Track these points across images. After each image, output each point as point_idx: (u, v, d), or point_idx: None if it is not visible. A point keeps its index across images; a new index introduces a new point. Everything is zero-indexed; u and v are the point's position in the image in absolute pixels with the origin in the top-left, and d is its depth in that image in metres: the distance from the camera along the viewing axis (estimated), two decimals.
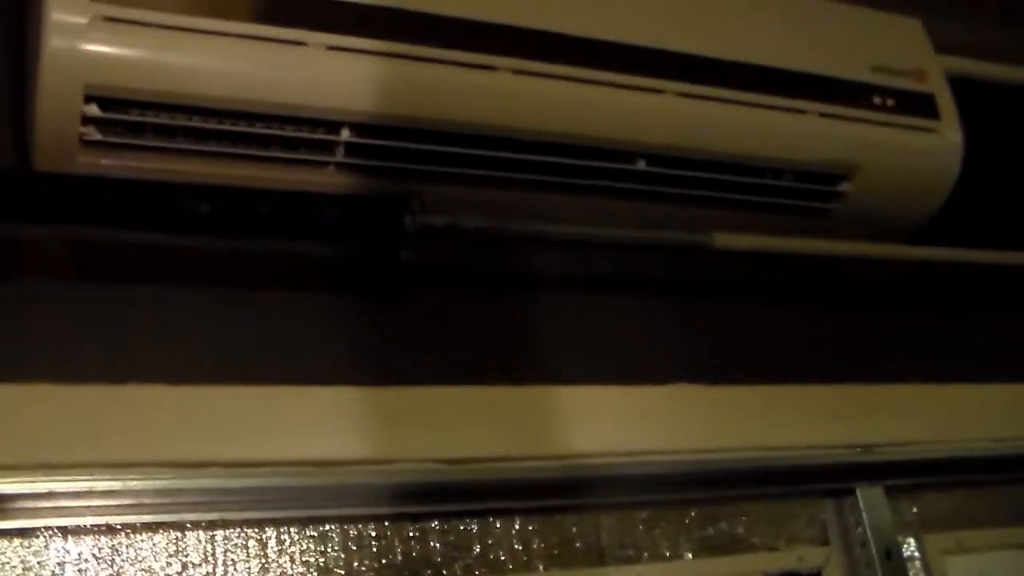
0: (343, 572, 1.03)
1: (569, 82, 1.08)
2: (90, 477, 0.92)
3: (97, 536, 0.94)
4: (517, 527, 1.11)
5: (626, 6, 1.16)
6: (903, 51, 1.31)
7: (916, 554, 1.31)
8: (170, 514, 0.96)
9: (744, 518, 1.24)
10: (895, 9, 1.33)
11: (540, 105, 1.07)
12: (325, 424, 1.03)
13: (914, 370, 1.37)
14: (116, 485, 0.93)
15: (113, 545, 0.95)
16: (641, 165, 1.14)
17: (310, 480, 1.01)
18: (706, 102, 1.15)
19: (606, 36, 1.12)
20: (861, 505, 1.28)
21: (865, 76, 1.26)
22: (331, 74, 1.00)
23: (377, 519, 1.06)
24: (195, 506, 0.97)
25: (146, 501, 0.95)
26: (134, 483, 0.93)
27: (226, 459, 0.97)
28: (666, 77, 1.13)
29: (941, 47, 1.33)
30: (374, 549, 1.05)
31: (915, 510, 1.34)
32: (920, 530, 1.33)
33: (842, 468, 1.27)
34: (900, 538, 1.29)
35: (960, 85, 1.32)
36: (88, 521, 0.93)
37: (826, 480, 1.28)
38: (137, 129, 0.96)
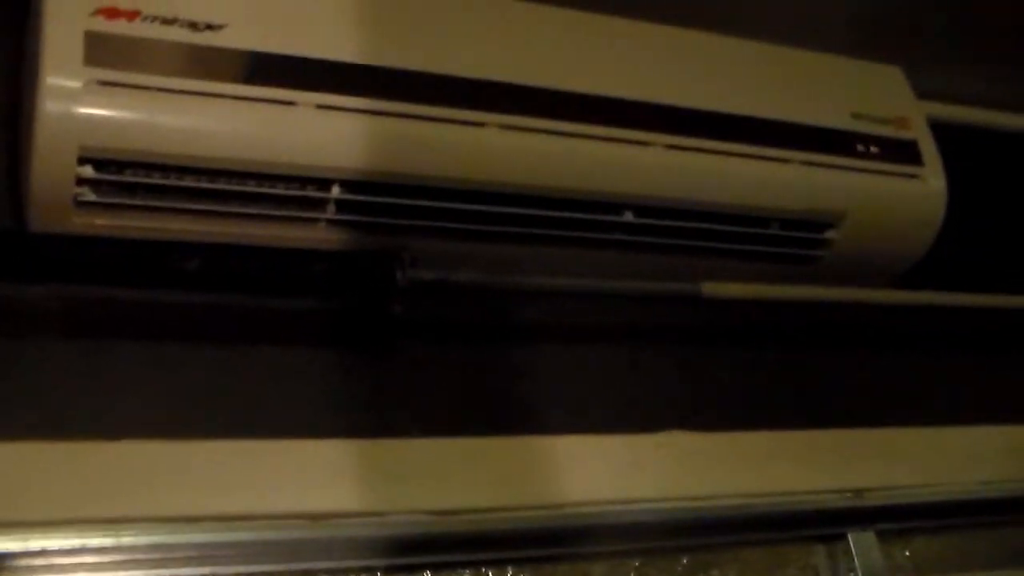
0: None
1: (556, 136, 1.10)
2: (83, 534, 0.92)
3: None
4: None
5: (612, 60, 1.18)
6: (885, 99, 1.32)
7: None
8: (163, 569, 0.96)
9: (737, 565, 1.24)
10: (876, 57, 1.35)
11: (528, 160, 1.09)
12: (317, 477, 1.03)
13: (903, 414, 1.38)
14: (109, 541, 0.93)
15: None
16: (629, 217, 1.15)
17: (302, 533, 1.01)
18: (692, 153, 1.17)
19: (592, 90, 1.14)
20: (853, 550, 1.27)
21: (848, 124, 1.27)
22: (321, 132, 1.01)
23: (370, 571, 1.06)
24: (188, 561, 0.97)
25: (139, 557, 0.95)
26: (127, 539, 0.93)
27: (219, 513, 0.98)
28: (653, 130, 1.15)
29: (922, 94, 1.35)
30: None
31: (907, 554, 1.34)
32: (912, 574, 1.33)
33: (833, 513, 1.28)
34: None
35: (942, 131, 1.33)
36: None
37: (818, 526, 1.28)
38: (131, 189, 0.97)
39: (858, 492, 1.29)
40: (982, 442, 1.41)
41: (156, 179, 0.97)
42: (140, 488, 0.96)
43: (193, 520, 0.97)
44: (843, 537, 1.29)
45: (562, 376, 1.23)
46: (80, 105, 0.92)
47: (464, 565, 1.10)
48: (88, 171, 0.94)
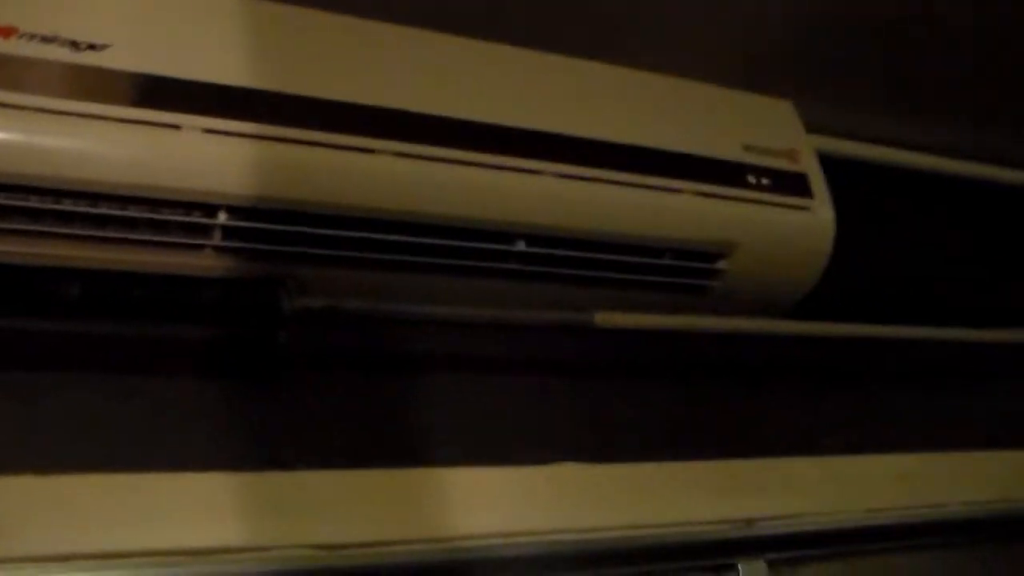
0: None
1: (447, 164, 1.09)
2: None
3: None
4: None
5: (505, 89, 1.17)
6: (776, 131, 1.34)
7: None
8: None
9: None
10: (767, 91, 1.37)
11: (419, 187, 1.08)
12: (199, 511, 1.00)
13: (793, 443, 1.39)
14: None
15: None
16: (521, 246, 1.15)
17: (183, 570, 0.98)
18: (584, 183, 1.16)
19: (484, 118, 1.13)
20: None
21: (740, 156, 1.29)
22: (207, 157, 0.99)
23: None
24: None
25: None
26: None
27: (92, 550, 0.94)
28: (544, 159, 1.14)
29: (812, 127, 1.37)
30: None
31: None
32: None
33: (724, 544, 1.28)
34: None
35: (831, 164, 1.35)
36: None
37: (708, 556, 1.28)
38: (5, 213, 0.94)
39: (748, 521, 1.30)
40: (871, 471, 1.43)
41: (33, 203, 0.94)
42: (8, 526, 0.92)
43: (65, 559, 0.93)
44: (733, 567, 1.29)
45: (453, 407, 1.21)
46: None
47: None
48: None
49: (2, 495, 0.93)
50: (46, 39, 0.95)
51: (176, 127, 0.98)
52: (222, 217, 1.01)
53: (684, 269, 1.26)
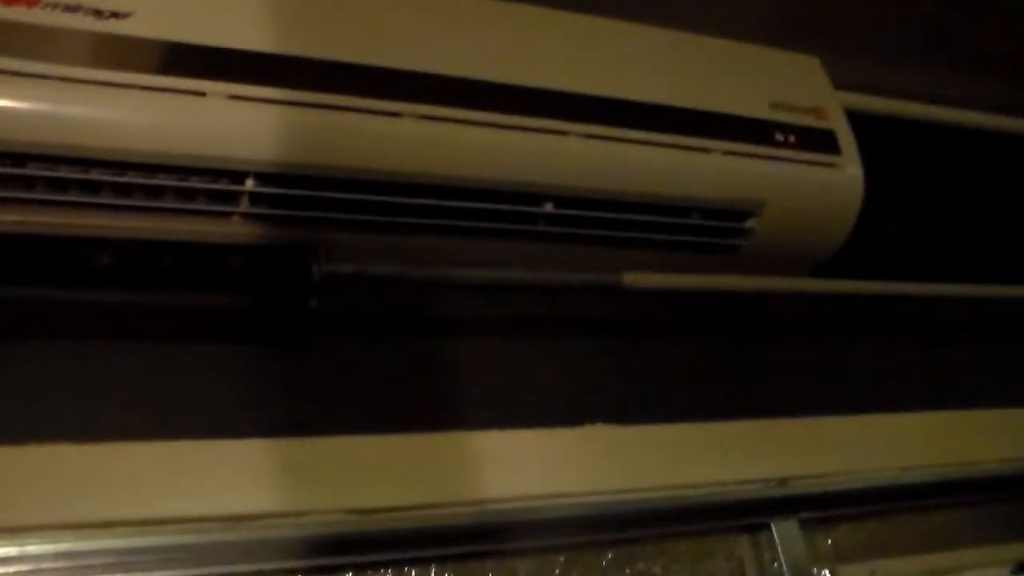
0: None
1: (474, 127, 1.08)
2: None
3: None
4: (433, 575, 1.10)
5: (529, 50, 1.16)
6: (803, 88, 1.33)
7: None
8: None
9: (662, 557, 1.24)
10: (794, 47, 1.36)
11: (445, 150, 1.07)
12: (234, 478, 1.01)
13: (825, 403, 1.39)
14: (13, 551, 0.90)
15: None
16: (548, 208, 1.14)
17: (220, 536, 0.99)
18: (612, 143, 1.15)
19: (510, 80, 1.12)
20: (776, 539, 1.28)
21: (767, 114, 1.27)
22: (233, 124, 0.98)
23: (290, 573, 1.04)
24: (99, 568, 0.94)
25: (46, 566, 0.92)
26: (33, 548, 0.91)
27: (131, 518, 0.95)
28: (570, 119, 1.13)
29: (839, 84, 1.35)
30: None
31: (829, 542, 1.35)
32: (835, 561, 1.34)
33: (757, 503, 1.28)
34: (816, 570, 1.30)
35: (859, 120, 1.34)
36: None
37: (741, 516, 1.28)
38: (33, 183, 0.94)
39: (781, 481, 1.30)
40: (903, 428, 1.43)
41: (61, 172, 0.94)
42: (48, 494, 0.93)
43: (105, 526, 0.94)
44: (767, 526, 1.29)
45: (483, 370, 1.22)
46: None
47: (387, 564, 1.08)
48: None
49: (39, 463, 0.94)
50: (69, 8, 0.95)
51: (201, 94, 0.97)
52: (249, 184, 1.00)
53: (712, 228, 1.25)
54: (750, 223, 1.26)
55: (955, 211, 1.67)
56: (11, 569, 0.90)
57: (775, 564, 1.27)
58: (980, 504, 1.48)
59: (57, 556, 0.92)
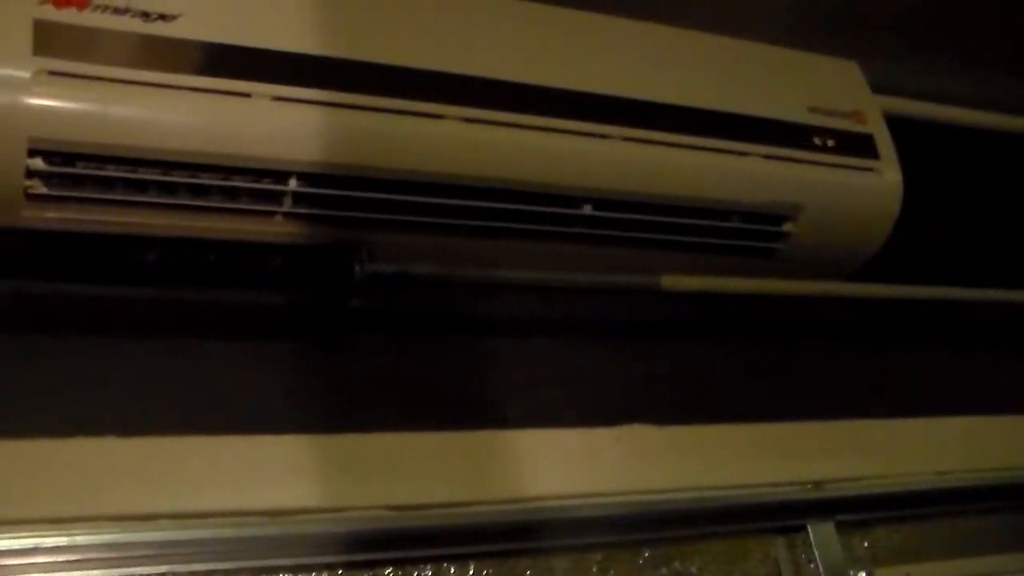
0: None
1: (516, 129, 1.09)
2: (36, 533, 0.91)
3: None
4: (472, 572, 1.11)
5: (571, 53, 1.17)
6: (841, 93, 1.33)
7: None
8: (118, 569, 0.95)
9: (698, 558, 1.24)
10: (832, 51, 1.36)
11: (487, 152, 1.08)
12: (275, 473, 1.02)
13: (862, 406, 1.39)
14: (63, 541, 0.91)
15: None
16: (588, 210, 1.15)
17: (260, 530, 1.00)
18: (651, 146, 1.16)
19: (552, 83, 1.13)
20: (812, 541, 1.28)
21: (805, 118, 1.28)
22: (277, 124, 1.00)
23: (330, 568, 1.05)
24: (143, 560, 0.96)
25: (92, 556, 0.93)
26: (81, 538, 0.92)
27: (174, 511, 0.97)
28: (611, 123, 1.14)
29: (878, 88, 1.35)
30: None
31: (866, 544, 1.34)
32: (871, 564, 1.33)
33: (793, 505, 1.28)
34: (852, 573, 1.30)
35: (897, 125, 1.34)
36: None
37: (778, 517, 1.28)
38: (82, 182, 0.95)
39: (817, 484, 1.30)
40: (940, 433, 1.43)
41: (109, 171, 0.95)
42: (94, 486, 0.95)
43: (149, 518, 0.96)
44: (803, 528, 1.29)
45: (522, 370, 1.22)
46: (29, 96, 0.90)
47: (426, 561, 1.09)
48: (38, 163, 0.92)
49: (85, 456, 0.96)
50: (118, 10, 0.96)
51: (246, 95, 0.98)
52: (293, 184, 1.02)
53: (750, 232, 1.25)
54: (788, 227, 1.26)
55: (995, 216, 1.67)
56: (60, 558, 0.92)
57: (811, 566, 1.27)
58: (1017, 510, 1.47)
59: (103, 547, 0.93)
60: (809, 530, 1.29)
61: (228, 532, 0.99)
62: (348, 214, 1.06)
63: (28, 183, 0.93)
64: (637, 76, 1.19)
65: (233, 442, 1.02)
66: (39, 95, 0.90)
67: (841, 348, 1.46)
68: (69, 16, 0.94)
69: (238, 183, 1.00)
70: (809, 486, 1.29)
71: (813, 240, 1.28)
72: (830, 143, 1.28)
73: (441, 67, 1.08)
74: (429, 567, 1.09)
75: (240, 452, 1.02)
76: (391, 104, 1.04)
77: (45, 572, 0.92)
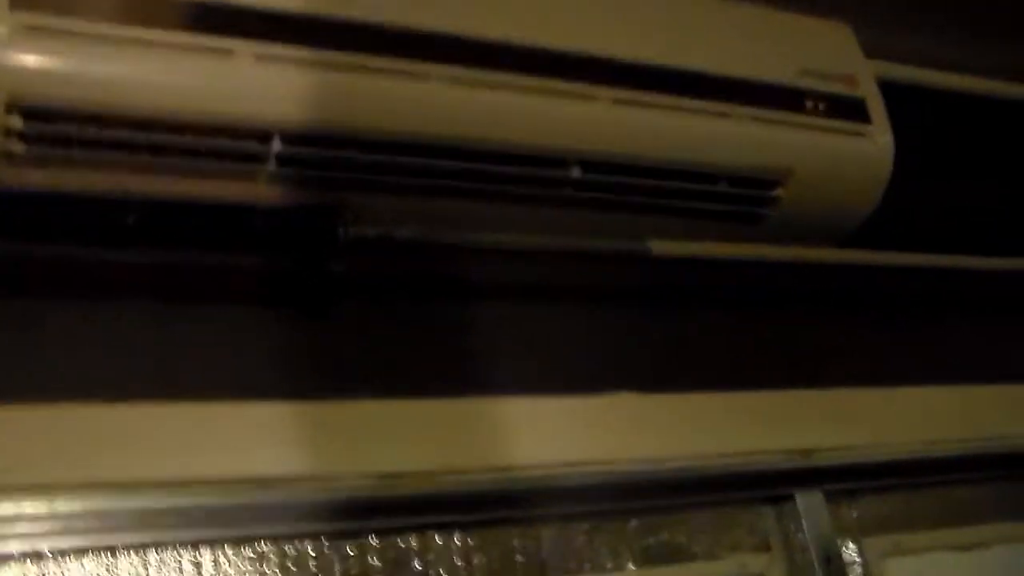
0: None
1: (503, 90, 1.07)
2: (17, 501, 0.89)
3: (24, 563, 0.91)
4: (457, 542, 1.10)
5: (559, 13, 1.15)
6: (833, 56, 1.31)
7: (856, 557, 1.31)
8: (102, 536, 0.93)
9: (685, 527, 1.23)
10: (824, 14, 1.34)
11: (473, 113, 1.06)
12: (259, 440, 1.01)
13: (850, 374, 1.38)
14: (44, 508, 0.90)
15: (42, 572, 0.91)
16: (576, 173, 1.13)
17: (244, 498, 0.99)
18: (640, 108, 1.15)
19: (539, 43, 1.11)
20: (801, 511, 1.28)
21: (796, 81, 1.26)
22: (260, 84, 0.98)
23: (314, 537, 1.03)
24: (128, 528, 0.94)
25: (76, 524, 0.92)
26: (63, 506, 0.91)
27: (158, 478, 0.95)
28: (599, 84, 1.12)
29: (871, 52, 1.34)
30: (312, 567, 1.03)
31: (854, 514, 1.34)
32: (859, 534, 1.33)
33: (781, 474, 1.27)
34: (840, 542, 1.30)
35: (890, 90, 1.33)
36: (15, 548, 0.90)
37: (766, 487, 1.28)
38: (62, 141, 0.93)
39: (806, 453, 1.29)
40: (927, 402, 1.42)
41: (88, 131, 0.93)
42: (77, 453, 0.93)
43: (132, 486, 0.94)
44: (791, 498, 1.29)
45: (509, 336, 1.21)
46: (7, 52, 0.87)
47: (411, 529, 1.08)
48: (16, 122, 0.90)
49: (66, 423, 0.94)
50: None
51: (229, 53, 0.96)
52: (276, 144, 1.00)
53: (740, 196, 1.24)
54: (777, 191, 1.25)
55: (986, 182, 1.65)
56: (42, 527, 0.90)
57: (799, 535, 1.27)
58: (1005, 479, 1.47)
59: (86, 515, 0.92)
60: (797, 499, 1.28)
61: (212, 500, 0.98)
62: (332, 175, 1.04)
63: (6, 142, 0.91)
64: (627, 37, 1.17)
65: (216, 409, 1.00)
66: (17, 51, 0.88)
67: (830, 315, 1.45)
68: None
69: (220, 143, 0.98)
70: (797, 455, 1.28)
71: (803, 205, 1.27)
72: (821, 107, 1.26)
73: (426, 26, 1.06)
74: (414, 535, 1.08)
75: (223, 419, 1.00)
76: (376, 63, 1.02)
77: (26, 541, 0.90)
